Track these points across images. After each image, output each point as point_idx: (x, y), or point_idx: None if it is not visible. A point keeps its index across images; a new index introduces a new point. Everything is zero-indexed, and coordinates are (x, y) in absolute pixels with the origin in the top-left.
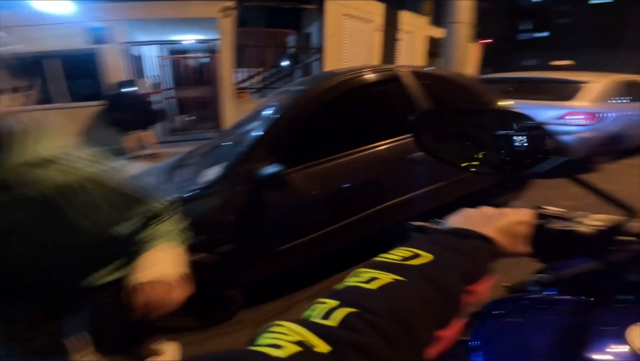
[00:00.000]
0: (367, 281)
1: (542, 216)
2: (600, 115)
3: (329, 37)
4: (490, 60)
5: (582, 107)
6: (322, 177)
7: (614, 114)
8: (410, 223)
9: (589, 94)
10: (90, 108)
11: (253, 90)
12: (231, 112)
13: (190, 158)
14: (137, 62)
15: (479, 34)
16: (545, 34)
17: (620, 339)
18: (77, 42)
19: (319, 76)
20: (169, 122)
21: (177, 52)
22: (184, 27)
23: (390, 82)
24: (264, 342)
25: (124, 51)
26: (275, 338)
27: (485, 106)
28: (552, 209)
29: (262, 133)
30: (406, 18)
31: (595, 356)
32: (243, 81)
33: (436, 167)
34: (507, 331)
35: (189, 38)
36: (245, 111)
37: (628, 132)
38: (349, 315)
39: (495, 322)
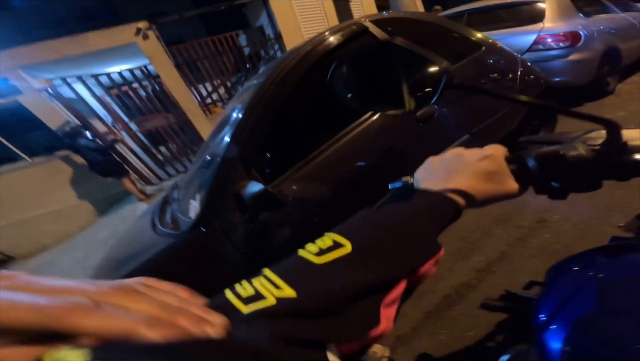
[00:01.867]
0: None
1: (522, 146)
2: (581, 33)
3: (283, 23)
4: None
5: (556, 28)
6: (324, 171)
7: (594, 29)
8: (390, 184)
9: (555, 12)
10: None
11: (223, 101)
12: (207, 129)
13: (173, 193)
14: (77, 104)
15: None
16: None
17: None
18: None
19: (275, 60)
20: (150, 157)
21: (116, 86)
22: (110, 58)
23: (360, 37)
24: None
25: (56, 95)
26: None
27: (465, 40)
28: (536, 137)
29: (227, 147)
30: None
31: None
32: (209, 95)
33: (455, 119)
34: (571, 296)
35: (119, 68)
36: None
37: (621, 46)
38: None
39: (563, 285)
